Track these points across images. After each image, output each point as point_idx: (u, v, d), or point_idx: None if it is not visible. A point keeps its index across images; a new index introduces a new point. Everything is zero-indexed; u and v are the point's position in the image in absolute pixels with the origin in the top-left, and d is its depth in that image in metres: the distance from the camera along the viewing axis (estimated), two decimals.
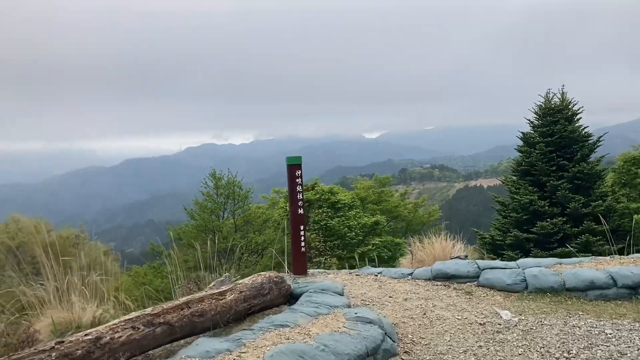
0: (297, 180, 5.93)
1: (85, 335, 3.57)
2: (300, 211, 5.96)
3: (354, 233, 20.54)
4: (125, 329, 3.71)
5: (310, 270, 6.32)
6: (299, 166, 5.97)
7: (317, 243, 19.69)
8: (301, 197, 5.94)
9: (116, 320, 3.77)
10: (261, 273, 4.74)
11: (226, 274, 6.10)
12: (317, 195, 21.05)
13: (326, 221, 20.36)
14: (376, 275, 5.90)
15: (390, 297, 5.07)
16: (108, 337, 3.61)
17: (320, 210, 20.72)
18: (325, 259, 19.30)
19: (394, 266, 9.35)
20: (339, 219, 20.86)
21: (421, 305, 4.86)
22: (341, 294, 4.79)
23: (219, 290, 4.36)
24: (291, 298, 4.85)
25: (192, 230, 18.80)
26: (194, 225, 18.86)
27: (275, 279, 4.70)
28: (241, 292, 4.41)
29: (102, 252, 26.24)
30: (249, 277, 4.66)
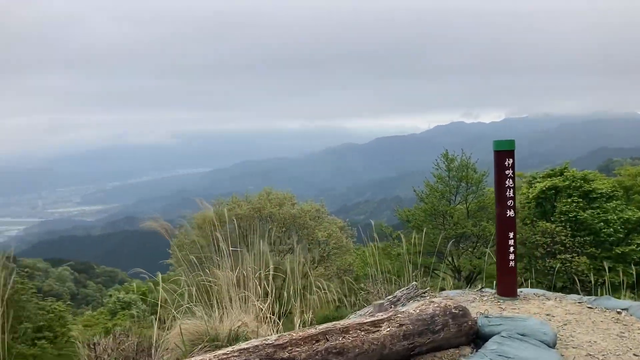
0: (507, 171, 4.44)
1: None
2: (510, 213, 4.46)
3: (612, 229, 17.29)
4: None
5: (524, 291, 4.78)
6: (510, 153, 4.46)
7: (563, 237, 17.05)
8: (512, 195, 4.44)
9: (229, 349, 2.96)
10: (434, 300, 3.48)
11: (414, 282, 4.94)
12: (567, 182, 18.22)
13: (576, 212, 17.51)
14: (619, 313, 4.10)
15: (636, 355, 3.35)
16: None
17: (569, 200, 17.90)
18: (572, 257, 16.63)
19: None
20: (592, 210, 17.78)
21: None
22: (551, 345, 3.25)
23: (372, 320, 3.25)
24: (477, 338, 3.50)
25: (420, 213, 17.87)
26: (422, 208, 17.90)
27: (453, 311, 3.40)
28: (401, 325, 3.24)
29: (338, 227, 27.00)
30: (416, 305, 3.44)
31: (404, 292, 4.64)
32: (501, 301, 4.43)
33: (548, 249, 17.43)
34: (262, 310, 5.16)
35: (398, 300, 4.47)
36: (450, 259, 17.47)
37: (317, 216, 26.14)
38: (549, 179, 18.85)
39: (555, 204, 18.38)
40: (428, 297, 4.43)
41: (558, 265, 16.94)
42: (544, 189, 18.30)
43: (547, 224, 17.63)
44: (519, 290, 4.70)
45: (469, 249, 17.72)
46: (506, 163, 4.41)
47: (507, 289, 4.52)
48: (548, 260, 17.08)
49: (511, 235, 4.45)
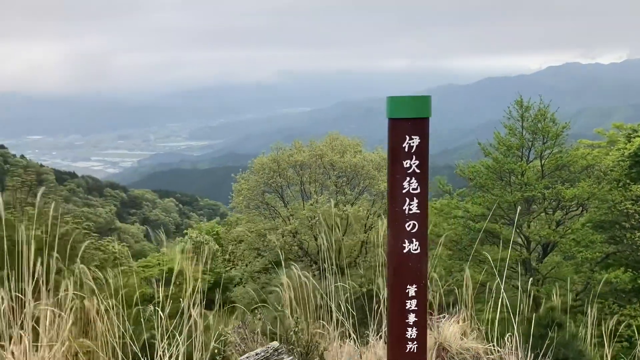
0: (407, 162, 2.15)
1: None
2: (411, 246, 2.20)
3: None
4: None
5: None
6: (417, 125, 2.15)
7: None
8: (418, 210, 2.16)
9: None
10: None
11: (274, 343, 2.82)
12: None
13: None
14: None
15: None
16: None
17: None
18: None
19: None
20: None
21: None
22: None
23: None
24: None
25: (483, 170, 15.12)
26: (485, 163, 15.12)
27: None
28: None
29: None
30: None
31: None
32: None
33: None
34: None
35: None
36: (521, 226, 14.74)
37: (384, 166, 23.87)
38: None
39: None
40: None
41: None
42: None
43: None
44: None
45: (541, 215, 14.90)
46: (406, 145, 2.12)
47: None
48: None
49: (412, 290, 2.21)
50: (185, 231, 32.87)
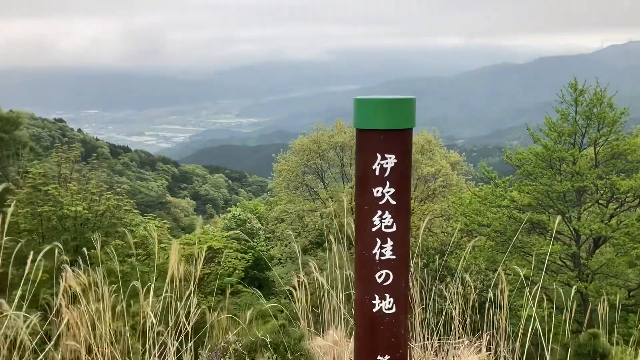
0: (378, 189, 1.56)
1: None
2: (383, 304, 1.62)
3: None
4: None
5: None
6: (395, 137, 1.56)
7: None
8: (394, 254, 1.59)
9: None
10: None
11: None
12: None
13: None
14: None
15: None
16: None
17: None
18: None
19: None
20: None
21: None
22: None
23: None
24: None
25: (531, 157, 14.13)
26: (532, 150, 14.12)
27: None
28: None
29: (450, 162, 23.66)
30: None
31: None
32: None
33: None
34: None
35: None
36: (568, 217, 13.75)
37: (429, 149, 22.93)
38: None
39: None
40: None
41: None
42: None
43: None
44: None
45: (589, 207, 13.87)
46: (377, 166, 1.54)
47: None
48: None
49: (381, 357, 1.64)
50: (229, 208, 32.88)
